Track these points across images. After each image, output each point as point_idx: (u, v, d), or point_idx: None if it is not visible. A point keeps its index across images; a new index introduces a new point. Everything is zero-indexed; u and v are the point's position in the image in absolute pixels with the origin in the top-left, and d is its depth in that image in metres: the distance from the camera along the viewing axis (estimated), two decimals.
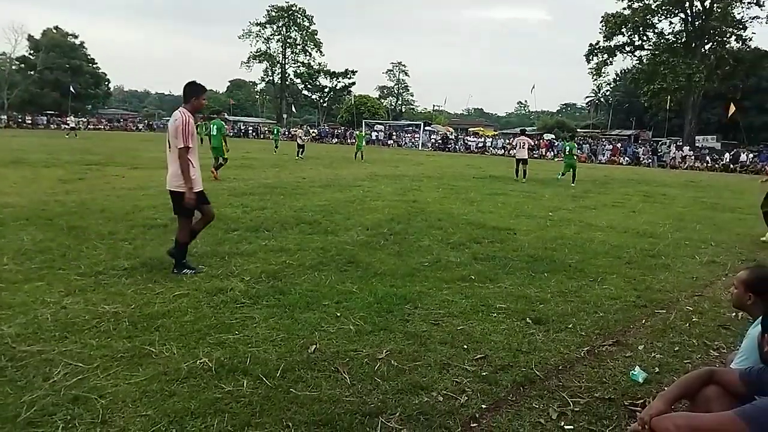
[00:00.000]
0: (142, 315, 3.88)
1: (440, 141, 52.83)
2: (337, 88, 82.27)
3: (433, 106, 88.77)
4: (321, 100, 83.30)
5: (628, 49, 50.21)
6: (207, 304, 4.22)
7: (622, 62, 54.18)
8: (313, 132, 57.00)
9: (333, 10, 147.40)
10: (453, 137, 54.89)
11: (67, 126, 43.52)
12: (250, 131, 63.85)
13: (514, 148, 19.77)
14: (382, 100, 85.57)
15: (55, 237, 6.18)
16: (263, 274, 5.11)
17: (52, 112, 58.47)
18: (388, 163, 25.78)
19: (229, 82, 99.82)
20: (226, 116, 71.76)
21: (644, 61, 49.67)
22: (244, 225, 7.54)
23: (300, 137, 27.46)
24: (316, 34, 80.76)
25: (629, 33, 49.08)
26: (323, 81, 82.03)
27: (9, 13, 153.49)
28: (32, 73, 63.93)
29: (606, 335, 4.01)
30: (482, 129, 65.53)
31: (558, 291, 5.03)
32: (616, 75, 64.15)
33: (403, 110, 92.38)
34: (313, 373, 3.14)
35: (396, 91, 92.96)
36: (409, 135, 57.83)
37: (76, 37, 68.65)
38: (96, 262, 5.22)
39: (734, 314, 4.50)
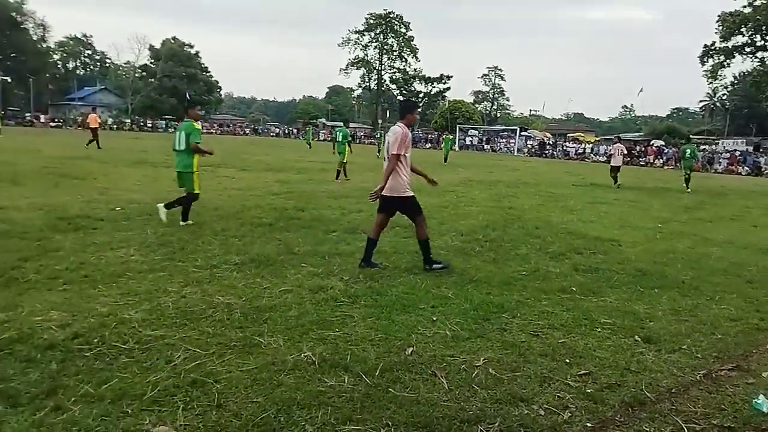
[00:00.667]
0: (252, 307, 4.13)
1: (537, 146, 51.24)
2: (432, 93, 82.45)
3: (530, 110, 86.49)
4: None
5: (748, 50, 45.90)
6: (309, 300, 4.40)
7: (741, 64, 49.46)
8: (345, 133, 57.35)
9: (428, 15, 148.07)
10: (551, 143, 53.05)
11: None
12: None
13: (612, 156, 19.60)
14: (477, 105, 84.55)
15: (174, 232, 6.73)
16: (361, 275, 5.24)
17: (170, 117, 63.61)
18: (482, 168, 25.42)
19: (328, 88, 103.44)
20: (325, 121, 74.42)
21: (767, 62, 45.14)
22: (343, 226, 7.78)
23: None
24: (413, 40, 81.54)
25: (750, 33, 44.82)
26: (418, 86, 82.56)
27: (133, 25, 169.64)
28: (152, 80, 70.00)
29: (725, 359, 3.69)
30: (582, 134, 62.71)
31: (670, 309, 4.70)
32: (735, 78, 58.89)
33: (498, 115, 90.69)
34: (411, 375, 3.17)
35: (491, 96, 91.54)
36: (504, 140, 56.67)
37: (191, 47, 74.26)
38: (210, 256, 5.63)
39: None
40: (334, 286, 4.81)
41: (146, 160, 18.23)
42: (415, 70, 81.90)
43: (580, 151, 48.28)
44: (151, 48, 71.43)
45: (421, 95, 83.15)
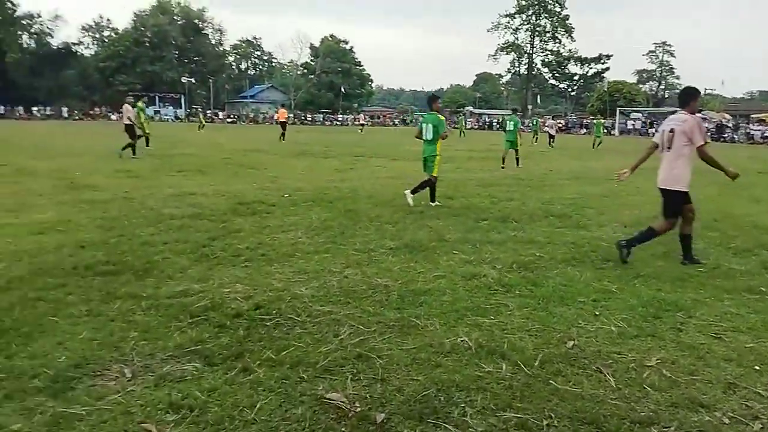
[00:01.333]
0: (408, 290, 4.28)
1: (714, 130, 45.44)
2: (588, 75, 77.26)
3: (705, 89, 76.79)
4: (569, 89, 79.29)
5: None
6: (463, 287, 4.43)
7: None
8: (559, 123, 54.64)
9: None
10: (731, 125, 46.71)
11: (357, 123, 50.72)
12: (495, 123, 64.23)
13: None
14: (641, 86, 77.27)
15: (335, 217, 7.20)
16: (514, 264, 5.14)
17: (327, 111, 67.85)
18: None
19: (476, 75, 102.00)
20: (472, 110, 73.62)
21: None
22: (493, 215, 7.68)
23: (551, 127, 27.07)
24: (567, 19, 77.01)
25: None
26: (573, 68, 77.95)
27: (297, 26, 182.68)
28: (312, 76, 75.12)
29: None
30: None
31: None
32: None
33: (666, 95, 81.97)
34: (573, 369, 3.05)
35: (658, 75, 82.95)
36: None
37: (346, 43, 78.26)
38: (367, 240, 5.93)
39: None
40: (487, 274, 4.78)
41: (307, 151, 19.67)
42: (570, 51, 77.58)
43: (767, 134, 41.79)
44: (311, 46, 76.66)
45: (575, 77, 78.43)
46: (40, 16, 63.82)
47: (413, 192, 8.32)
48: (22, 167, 12.00)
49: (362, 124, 47.03)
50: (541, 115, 44.99)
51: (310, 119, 65.86)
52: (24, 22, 62.92)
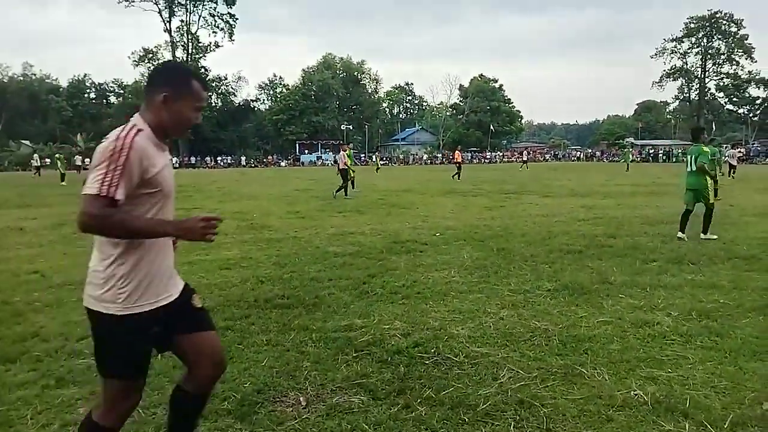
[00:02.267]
0: (569, 335, 4.08)
1: None
2: None
3: None
4: (751, 114, 70.17)
5: None
6: (633, 335, 4.11)
7: None
8: (739, 152, 48.49)
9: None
10: None
11: (520, 160, 50.14)
12: (660, 155, 59.07)
13: None
14: None
15: (487, 256, 7.16)
16: (693, 312, 4.64)
17: (475, 149, 68.06)
18: None
19: (637, 104, 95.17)
20: (633, 141, 68.58)
21: None
22: (664, 256, 7.03)
23: None
24: (746, 39, 68.91)
25: None
26: (754, 92, 69.05)
27: (447, 68, 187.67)
28: (461, 116, 76.21)
29: None
30: None
31: None
32: None
33: None
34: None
35: None
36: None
37: (495, 81, 78.36)
38: (523, 281, 5.79)
39: None
40: (661, 322, 4.38)
41: (456, 190, 19.87)
42: (749, 72, 68.94)
43: None
44: (461, 87, 78.13)
45: (758, 101, 69.32)
46: (226, 78, 74.01)
47: (704, 231, 8.38)
48: (212, 210, 13.82)
49: (525, 161, 45.21)
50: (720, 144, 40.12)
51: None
52: (214, 84, 73.33)
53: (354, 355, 3.80)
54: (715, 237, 8.31)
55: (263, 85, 79.14)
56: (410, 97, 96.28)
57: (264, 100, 79.92)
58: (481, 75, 78.97)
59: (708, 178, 8.40)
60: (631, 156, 43.15)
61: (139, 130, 1.92)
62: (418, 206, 14.08)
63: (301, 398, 3.17)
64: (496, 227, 9.83)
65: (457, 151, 31.92)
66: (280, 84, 78.59)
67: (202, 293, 5.44)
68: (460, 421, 2.86)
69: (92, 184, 1.79)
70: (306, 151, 68.59)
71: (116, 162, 1.81)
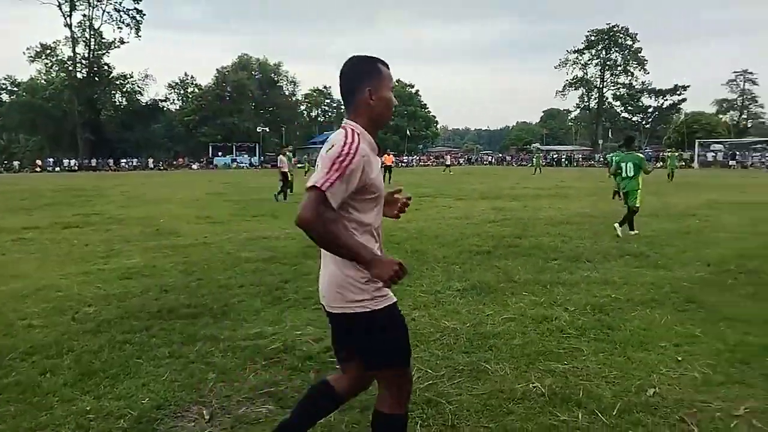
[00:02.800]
0: (476, 333, 4.23)
1: None
2: (664, 107, 74.41)
3: None
4: (643, 122, 76.58)
5: None
6: (534, 330, 4.33)
7: None
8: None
9: (662, 23, 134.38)
10: None
11: (444, 164, 51.01)
12: (563, 160, 62.95)
13: None
14: (721, 116, 73.40)
15: (402, 258, 7.22)
16: (588, 306, 4.96)
17: (393, 153, 69.00)
18: (729, 187, 21.94)
19: (543, 112, 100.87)
20: (539, 146, 72.60)
21: None
22: (564, 254, 7.47)
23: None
24: (640, 52, 75.17)
25: None
26: (646, 101, 75.45)
27: None
28: None
29: None
30: None
31: None
32: None
33: (749, 125, 77.31)
34: (654, 418, 2.89)
35: (739, 104, 78.55)
36: (758, 154, 48.05)
37: (412, 87, 79.93)
38: (434, 282, 5.93)
39: None
40: (559, 317, 4.64)
41: None
42: (643, 83, 75.26)
43: None
44: None
45: (650, 110, 75.74)
46: (132, 76, 69.92)
47: (621, 224, 9.22)
48: (113, 215, 12.99)
49: (448, 165, 46.76)
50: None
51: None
52: (118, 82, 69.02)
53: (263, 363, 3.70)
54: (636, 232, 9.19)
55: (173, 84, 75.50)
56: (329, 100, 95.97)
57: (174, 100, 76.26)
58: (399, 80, 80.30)
59: (639, 183, 9.33)
60: (541, 160, 45.73)
61: (360, 135, 1.93)
62: None
63: (205, 412, 3.04)
64: (411, 230, 9.99)
65: (387, 155, 31.98)
66: (192, 84, 75.36)
67: (98, 306, 5.10)
68: (368, 425, 2.87)
69: (314, 178, 1.82)
70: (220, 154, 66.26)
71: (340, 165, 1.83)
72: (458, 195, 18.63)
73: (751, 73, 76.40)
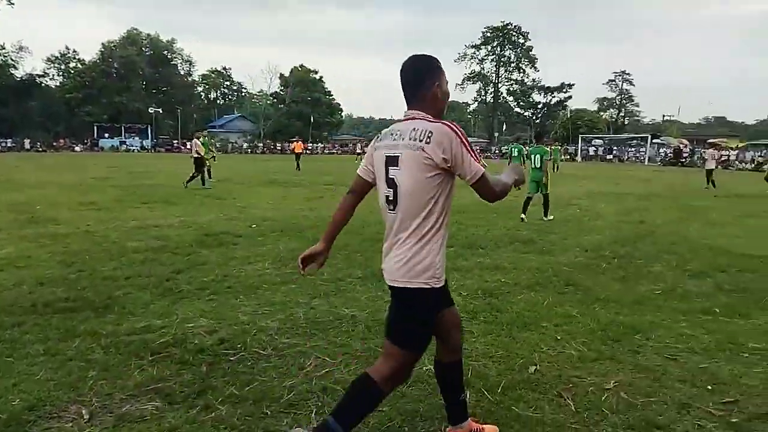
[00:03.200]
0: (374, 320, 4.29)
1: (672, 155, 47.22)
2: (552, 103, 79.62)
3: (663, 116, 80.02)
4: (534, 117, 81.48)
5: None
6: None
7: None
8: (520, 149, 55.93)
9: (550, 23, 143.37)
10: (687, 150, 48.64)
11: (356, 152, 50.41)
12: None
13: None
14: (602, 113, 79.98)
15: (303, 247, 7.07)
16: (479, 291, 5.22)
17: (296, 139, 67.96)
18: (607, 179, 24.02)
19: None
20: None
21: None
22: (459, 242, 7.78)
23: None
24: (531, 50, 79.64)
25: None
26: (537, 97, 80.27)
27: (267, 56, 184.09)
28: (282, 106, 75.28)
29: None
30: (725, 140, 56.68)
31: None
32: None
33: (627, 122, 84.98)
34: (535, 394, 3.11)
35: (618, 102, 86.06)
36: (633, 149, 52.99)
37: (316, 72, 78.82)
38: (336, 270, 5.94)
39: None
40: (455, 301, 4.83)
41: (277, 180, 19.64)
42: (533, 80, 79.89)
43: (723, 158, 43.64)
44: (281, 76, 76.97)
45: (540, 106, 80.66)
46: (3, 48, 62.60)
47: (545, 214, 10.27)
48: None
49: (359, 153, 46.79)
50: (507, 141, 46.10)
51: (279, 148, 65.87)
52: None
53: (150, 359, 3.50)
54: (552, 218, 10.22)
55: (53, 58, 68.53)
56: (228, 83, 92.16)
57: (54, 75, 69.33)
58: (302, 65, 78.92)
59: (546, 171, 10.35)
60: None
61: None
62: (236, 197, 13.60)
63: (84, 411, 2.83)
64: (314, 218, 9.93)
65: (298, 142, 31.45)
66: (75, 58, 68.87)
67: None
68: (262, 415, 2.83)
69: (475, 166, 2.15)
70: (107, 135, 61.33)
71: (470, 145, 2.15)
72: None
73: (628, 74, 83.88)
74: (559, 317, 4.47)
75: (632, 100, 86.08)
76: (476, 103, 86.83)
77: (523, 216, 10.02)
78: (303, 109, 72.79)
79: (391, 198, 2.21)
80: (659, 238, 8.42)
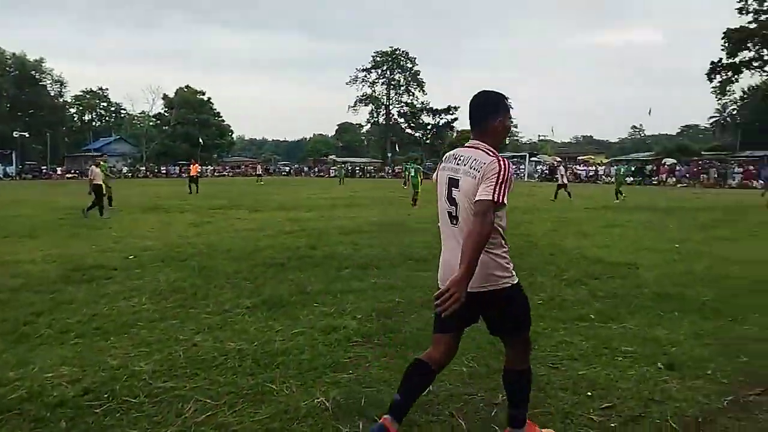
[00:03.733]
0: (264, 352, 4.06)
1: (547, 171, 51.18)
2: (440, 124, 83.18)
3: (539, 136, 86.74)
4: (424, 138, 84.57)
5: (756, 64, 45.99)
6: (322, 342, 4.33)
7: (750, 79, 49.39)
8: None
9: (434, 49, 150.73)
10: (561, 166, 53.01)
11: (255, 174, 51.50)
12: (357, 171, 66.12)
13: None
14: None
15: (187, 277, 6.72)
16: (374, 312, 5.16)
17: (183, 162, 64.80)
18: None
19: (337, 125, 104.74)
20: (335, 158, 75.23)
21: None
22: (355, 263, 7.72)
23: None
24: (419, 74, 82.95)
25: (756, 47, 45.04)
26: (426, 119, 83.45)
27: (148, 76, 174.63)
28: (166, 127, 71.59)
29: (752, 383, 3.53)
30: (592, 157, 62.64)
31: (692, 333, 4.56)
32: (744, 92, 58.64)
33: (507, 142, 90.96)
34: (428, 416, 3.08)
35: None
36: (514, 167, 56.72)
37: (203, 93, 76.13)
38: (222, 300, 5.59)
39: None
40: (347, 326, 4.73)
41: (160, 205, 18.47)
42: (422, 103, 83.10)
43: (591, 173, 48.10)
44: (165, 97, 73.34)
45: (429, 127, 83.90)
46: None
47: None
48: None
49: (260, 175, 48.66)
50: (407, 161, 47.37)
51: (164, 171, 62.36)
52: None
53: None
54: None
55: None
56: (105, 104, 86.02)
57: None
58: (188, 86, 75.78)
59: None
60: (344, 172, 48.04)
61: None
62: (112, 225, 12.53)
63: None
64: (200, 244, 9.38)
65: (194, 165, 29.62)
66: None
67: None
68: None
69: (492, 193, 2.33)
70: None
71: (505, 179, 2.37)
72: (255, 206, 18.17)
73: (507, 97, 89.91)
74: None
75: (512, 121, 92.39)
76: (369, 124, 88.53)
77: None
78: (190, 131, 69.78)
79: (454, 214, 2.52)
80: (541, 249, 8.95)
